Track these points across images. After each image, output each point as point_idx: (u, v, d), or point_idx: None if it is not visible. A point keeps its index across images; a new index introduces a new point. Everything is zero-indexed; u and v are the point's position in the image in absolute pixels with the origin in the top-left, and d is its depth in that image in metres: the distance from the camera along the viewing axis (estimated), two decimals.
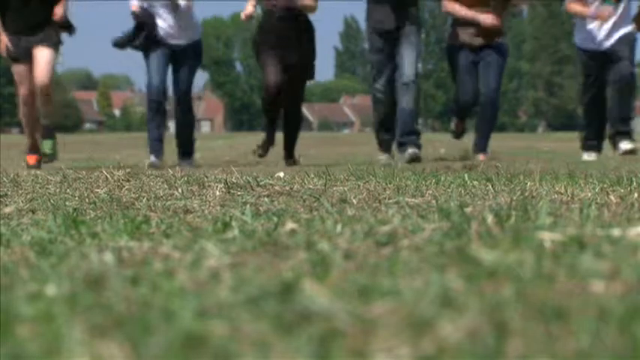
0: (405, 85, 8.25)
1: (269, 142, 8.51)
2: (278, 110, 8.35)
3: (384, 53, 8.31)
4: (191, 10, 8.44)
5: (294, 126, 8.56)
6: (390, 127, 8.41)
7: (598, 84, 8.77)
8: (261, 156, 8.56)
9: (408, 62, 8.30)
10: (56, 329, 1.07)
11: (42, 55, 7.61)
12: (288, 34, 8.15)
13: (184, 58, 8.39)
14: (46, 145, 7.89)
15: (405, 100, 8.25)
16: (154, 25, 8.27)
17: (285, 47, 8.13)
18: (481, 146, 9.06)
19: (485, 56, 8.81)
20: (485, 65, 8.81)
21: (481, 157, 8.80)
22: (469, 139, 9.69)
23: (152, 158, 8.13)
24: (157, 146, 8.26)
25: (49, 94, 7.62)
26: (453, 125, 9.47)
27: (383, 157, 8.46)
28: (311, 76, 8.47)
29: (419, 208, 2.41)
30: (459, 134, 9.42)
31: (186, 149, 8.45)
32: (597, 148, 9.00)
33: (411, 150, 8.17)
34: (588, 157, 8.80)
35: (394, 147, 8.52)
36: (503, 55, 8.97)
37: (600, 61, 8.67)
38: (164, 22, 8.33)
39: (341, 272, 1.42)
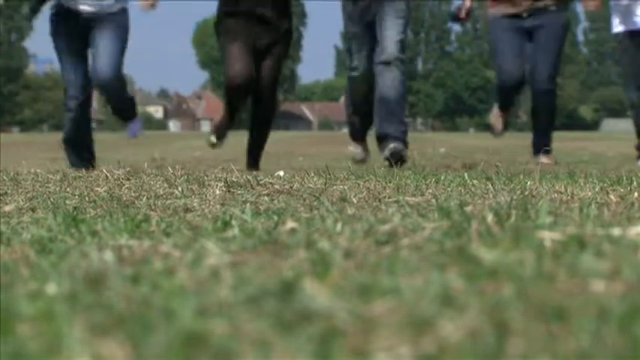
0: (385, 65, 6.37)
1: (227, 122, 6.64)
2: (243, 103, 6.60)
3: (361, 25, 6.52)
4: None
5: (263, 119, 6.65)
6: (368, 113, 6.62)
7: None
8: (214, 145, 6.75)
9: (390, 35, 6.38)
10: (56, 328, 1.07)
11: None
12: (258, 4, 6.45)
13: (103, 28, 6.40)
14: None
15: (387, 82, 6.34)
16: None
17: (256, 17, 6.41)
18: (539, 145, 7.26)
19: (536, 29, 7.01)
20: (536, 43, 7.03)
21: (543, 159, 6.94)
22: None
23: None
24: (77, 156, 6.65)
25: None
26: (491, 117, 7.60)
27: (357, 150, 6.87)
28: (286, 52, 6.64)
29: (419, 207, 2.41)
30: (497, 130, 7.51)
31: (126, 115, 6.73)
32: None
33: (392, 145, 6.31)
34: None
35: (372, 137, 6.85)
36: (562, 27, 7.08)
37: None
38: None
39: (341, 271, 1.42)
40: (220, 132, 6.69)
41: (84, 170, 4.26)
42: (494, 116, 7.60)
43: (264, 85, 6.46)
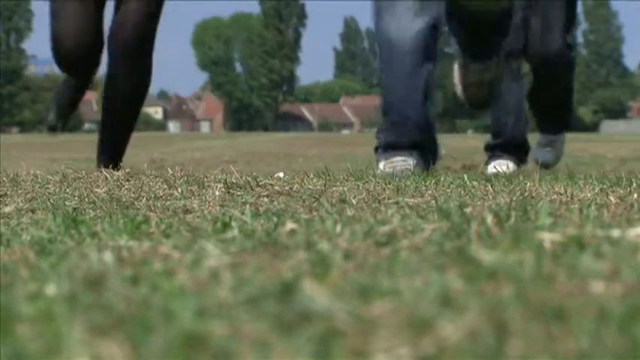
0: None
1: (68, 102, 4.61)
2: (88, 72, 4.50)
3: None
4: None
5: (127, 107, 4.71)
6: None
7: None
8: (52, 129, 4.84)
9: None
10: (56, 329, 1.07)
11: None
12: None
13: None
14: None
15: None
16: None
17: None
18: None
19: None
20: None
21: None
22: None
23: None
24: None
25: None
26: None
27: (397, 159, 4.38)
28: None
29: (418, 208, 2.41)
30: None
31: None
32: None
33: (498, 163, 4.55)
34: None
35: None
36: None
37: None
38: None
39: (341, 272, 1.42)
40: (63, 107, 4.64)
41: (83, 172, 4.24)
42: None
43: (126, 37, 4.28)
